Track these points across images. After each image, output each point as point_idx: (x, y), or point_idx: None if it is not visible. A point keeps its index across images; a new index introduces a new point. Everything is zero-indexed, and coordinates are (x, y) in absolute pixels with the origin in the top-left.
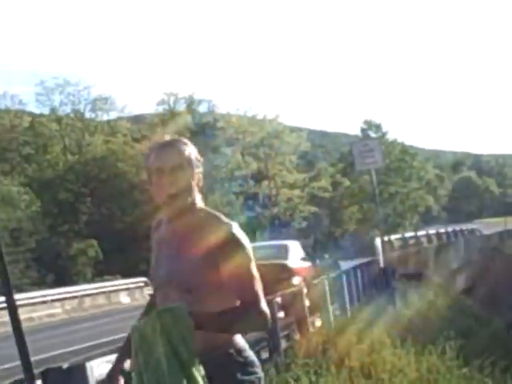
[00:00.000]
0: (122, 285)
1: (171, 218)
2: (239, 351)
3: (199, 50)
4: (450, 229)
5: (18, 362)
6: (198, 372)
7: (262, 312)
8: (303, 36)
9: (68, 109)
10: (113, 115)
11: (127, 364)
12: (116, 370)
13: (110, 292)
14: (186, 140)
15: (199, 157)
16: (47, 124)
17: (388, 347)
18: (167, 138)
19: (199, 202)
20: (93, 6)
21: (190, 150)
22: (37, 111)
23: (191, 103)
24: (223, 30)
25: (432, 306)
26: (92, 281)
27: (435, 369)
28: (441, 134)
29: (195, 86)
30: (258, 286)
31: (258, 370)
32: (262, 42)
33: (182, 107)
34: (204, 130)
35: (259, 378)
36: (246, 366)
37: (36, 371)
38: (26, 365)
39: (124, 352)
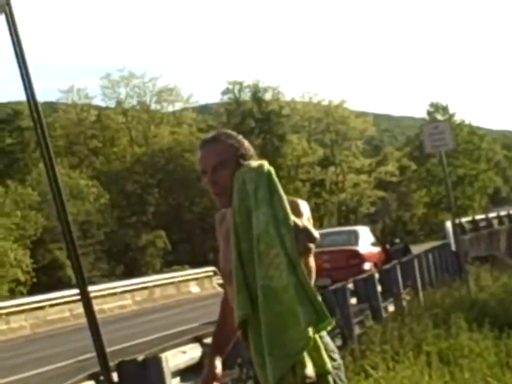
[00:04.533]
0: (192, 274)
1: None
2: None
3: (263, 36)
4: None
5: (93, 354)
6: None
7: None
8: (365, 20)
9: (134, 101)
10: (178, 106)
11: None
12: (211, 374)
13: (180, 282)
14: (230, 132)
15: (247, 145)
16: (113, 117)
17: (465, 332)
18: (210, 134)
19: None
20: None
21: (233, 143)
22: (103, 104)
23: (256, 91)
24: (286, 15)
25: (507, 288)
26: (161, 271)
27: None
28: (508, 113)
29: (260, 72)
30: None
31: (338, 356)
32: (324, 28)
33: (247, 96)
34: (269, 118)
35: (339, 365)
36: (326, 352)
37: (111, 363)
38: (102, 357)
39: (215, 349)
